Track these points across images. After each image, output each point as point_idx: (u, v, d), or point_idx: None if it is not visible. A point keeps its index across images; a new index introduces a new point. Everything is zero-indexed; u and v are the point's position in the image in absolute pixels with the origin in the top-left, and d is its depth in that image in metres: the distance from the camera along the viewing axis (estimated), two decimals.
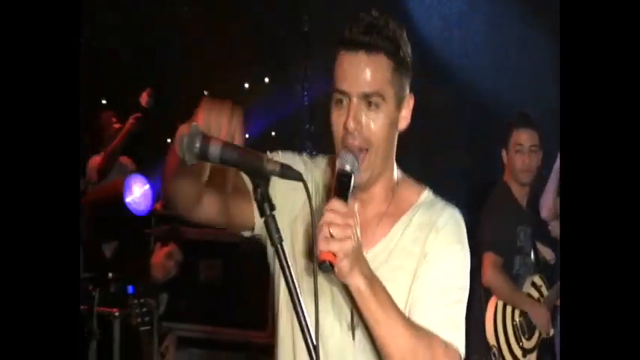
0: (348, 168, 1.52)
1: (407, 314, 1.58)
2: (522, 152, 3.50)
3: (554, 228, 4.02)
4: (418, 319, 1.56)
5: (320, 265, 1.39)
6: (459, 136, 5.67)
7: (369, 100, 1.58)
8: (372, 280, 1.48)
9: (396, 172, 1.71)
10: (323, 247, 1.39)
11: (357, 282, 1.45)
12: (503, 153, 3.60)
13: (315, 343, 1.34)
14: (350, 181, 1.53)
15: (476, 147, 5.42)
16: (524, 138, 3.51)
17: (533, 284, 3.53)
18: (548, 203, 4.04)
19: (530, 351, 3.45)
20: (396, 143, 1.67)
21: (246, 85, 6.86)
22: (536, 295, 3.54)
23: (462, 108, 5.71)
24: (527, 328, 3.45)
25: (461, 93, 5.57)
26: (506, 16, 5.75)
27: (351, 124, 1.56)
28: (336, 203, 1.42)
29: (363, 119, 1.58)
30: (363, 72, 1.58)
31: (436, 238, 1.62)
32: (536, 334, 3.53)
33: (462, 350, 1.58)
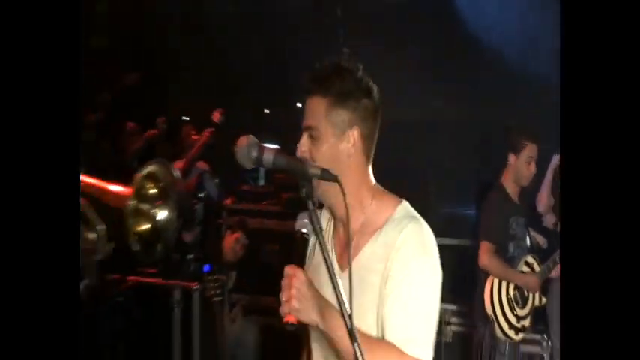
0: (304, 230, 1.54)
1: (378, 324, 1.61)
2: (531, 163, 3.80)
3: (547, 219, 4.42)
4: (387, 335, 1.58)
5: (284, 325, 1.48)
6: (466, 143, 5.74)
7: (310, 133, 1.68)
8: (329, 318, 1.51)
9: (369, 192, 1.72)
10: (281, 310, 1.49)
11: (316, 324, 1.53)
12: (511, 157, 3.82)
13: (350, 312, 1.42)
14: (306, 241, 1.57)
15: (482, 152, 5.42)
16: (535, 151, 3.81)
17: (527, 263, 3.88)
18: (544, 199, 4.47)
19: (524, 317, 3.80)
20: (355, 168, 1.69)
21: (299, 105, 7.16)
22: (528, 271, 3.88)
23: (470, 119, 5.86)
24: (520, 298, 3.80)
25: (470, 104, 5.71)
26: None
27: (298, 151, 1.69)
28: (285, 269, 1.50)
29: (306, 147, 1.68)
30: (306, 111, 1.70)
31: (396, 255, 1.60)
32: (529, 303, 3.85)
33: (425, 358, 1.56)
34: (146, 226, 1.69)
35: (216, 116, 5.78)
